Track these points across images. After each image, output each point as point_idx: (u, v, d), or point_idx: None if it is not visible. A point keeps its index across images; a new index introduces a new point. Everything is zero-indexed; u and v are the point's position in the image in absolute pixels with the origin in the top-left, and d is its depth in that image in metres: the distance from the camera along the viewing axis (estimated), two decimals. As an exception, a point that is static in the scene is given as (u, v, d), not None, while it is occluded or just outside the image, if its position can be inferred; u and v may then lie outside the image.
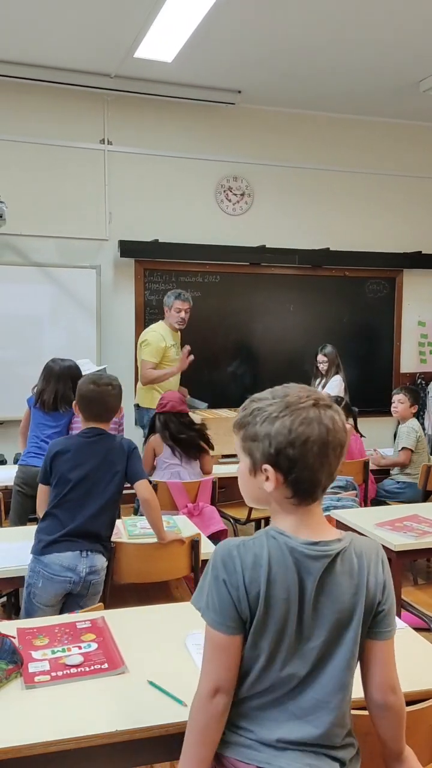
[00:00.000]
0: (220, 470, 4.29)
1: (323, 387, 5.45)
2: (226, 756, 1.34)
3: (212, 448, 3.95)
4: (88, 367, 4.83)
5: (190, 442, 3.87)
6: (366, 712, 1.52)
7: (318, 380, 5.57)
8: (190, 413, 4.07)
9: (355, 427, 4.72)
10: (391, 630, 1.37)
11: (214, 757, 1.34)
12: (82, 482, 2.61)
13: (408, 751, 1.42)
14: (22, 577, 2.56)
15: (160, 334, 5.20)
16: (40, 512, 2.69)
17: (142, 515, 3.74)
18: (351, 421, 4.73)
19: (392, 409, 4.79)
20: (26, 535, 2.75)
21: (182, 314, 5.21)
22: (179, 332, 5.35)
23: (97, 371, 4.87)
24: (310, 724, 1.32)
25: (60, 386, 3.76)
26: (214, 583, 1.32)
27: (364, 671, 1.38)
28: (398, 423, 4.73)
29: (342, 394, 5.23)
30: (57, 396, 3.75)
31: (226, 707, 1.31)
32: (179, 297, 5.22)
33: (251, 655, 1.32)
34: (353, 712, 1.52)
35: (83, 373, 4.75)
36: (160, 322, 5.33)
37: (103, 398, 2.71)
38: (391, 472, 4.74)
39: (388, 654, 1.37)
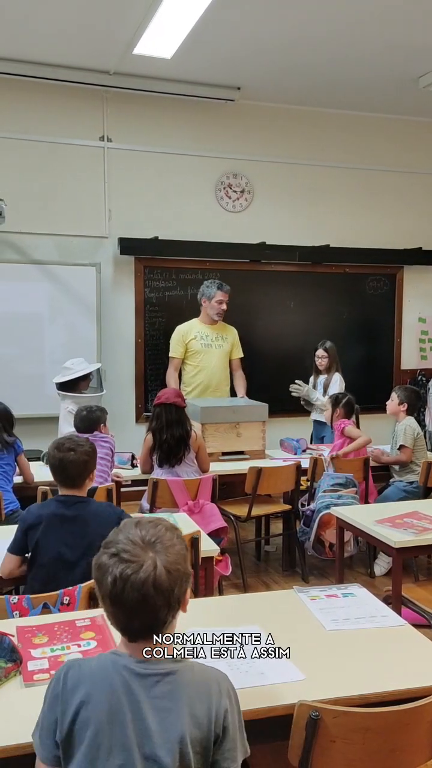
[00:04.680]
0: (221, 468, 4.29)
1: (325, 385, 5.41)
2: None
3: (186, 450, 3.90)
4: (80, 367, 4.78)
5: (170, 448, 3.85)
6: (366, 710, 1.52)
7: (318, 377, 5.53)
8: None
9: (357, 425, 4.71)
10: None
11: None
12: (52, 564, 2.45)
13: None
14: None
15: (181, 330, 5.31)
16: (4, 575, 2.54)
17: (145, 513, 3.76)
18: (354, 418, 4.73)
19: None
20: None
21: (223, 306, 5.23)
22: (218, 323, 5.32)
23: (89, 381, 4.84)
24: None
25: None
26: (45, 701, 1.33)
27: None
28: (396, 421, 4.72)
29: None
30: None
31: None
32: (221, 288, 5.24)
33: None
34: (354, 709, 1.52)
35: (77, 373, 4.69)
36: (196, 318, 5.38)
37: (63, 465, 2.53)
38: (394, 474, 4.68)
39: None
